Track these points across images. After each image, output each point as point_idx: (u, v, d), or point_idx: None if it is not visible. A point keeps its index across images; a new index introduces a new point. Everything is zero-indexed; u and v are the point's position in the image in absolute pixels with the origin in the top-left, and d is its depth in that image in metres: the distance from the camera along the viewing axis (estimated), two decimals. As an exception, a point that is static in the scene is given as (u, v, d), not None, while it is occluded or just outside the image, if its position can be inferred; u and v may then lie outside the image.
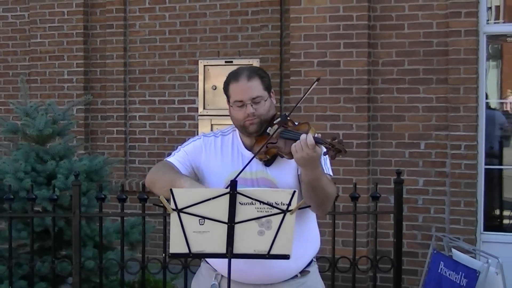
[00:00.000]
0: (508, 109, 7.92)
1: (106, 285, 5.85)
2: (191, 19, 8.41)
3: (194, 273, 3.65)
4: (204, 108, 8.32)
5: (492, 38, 7.27)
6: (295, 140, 3.09)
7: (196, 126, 8.36)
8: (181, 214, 2.92)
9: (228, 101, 3.39)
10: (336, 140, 3.06)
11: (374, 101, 7.12)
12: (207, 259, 3.41)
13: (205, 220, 2.94)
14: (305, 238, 3.40)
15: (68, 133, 6.34)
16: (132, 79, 8.67)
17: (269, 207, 2.94)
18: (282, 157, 3.25)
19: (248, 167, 3.23)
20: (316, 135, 3.10)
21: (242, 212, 2.94)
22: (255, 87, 3.32)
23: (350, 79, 7.08)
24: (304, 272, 3.42)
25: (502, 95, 7.87)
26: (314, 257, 3.51)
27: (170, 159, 3.42)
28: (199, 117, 8.35)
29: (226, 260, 3.04)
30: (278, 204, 2.94)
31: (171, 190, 2.93)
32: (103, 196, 5.52)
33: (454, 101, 6.86)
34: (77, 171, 5.52)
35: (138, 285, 6.04)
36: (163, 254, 5.48)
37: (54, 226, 5.56)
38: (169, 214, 2.95)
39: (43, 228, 5.84)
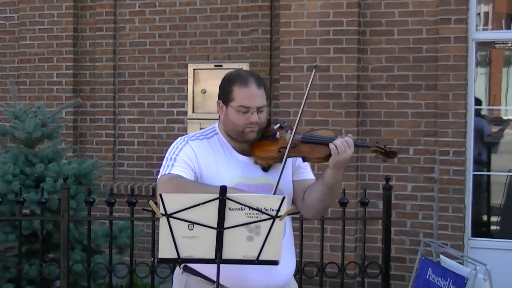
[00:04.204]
0: (497, 115, 7.95)
1: (94, 288, 5.84)
2: (181, 23, 8.39)
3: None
4: (193, 112, 8.32)
5: (481, 45, 7.29)
6: (323, 144, 3.15)
7: (185, 129, 8.33)
8: (170, 219, 2.91)
9: (226, 103, 3.24)
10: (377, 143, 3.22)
11: (363, 106, 7.14)
12: (200, 271, 3.23)
13: (194, 225, 2.93)
14: (293, 243, 3.41)
15: (57, 136, 6.33)
16: (121, 82, 8.65)
17: (259, 212, 2.92)
18: (306, 161, 3.28)
19: (247, 173, 3.23)
20: None
21: (232, 217, 2.92)
22: (262, 95, 3.25)
23: (339, 84, 7.09)
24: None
25: (490, 102, 7.89)
26: None
27: (173, 171, 3.15)
28: (188, 121, 8.34)
29: (221, 268, 2.98)
30: (268, 210, 2.92)
31: (160, 195, 2.90)
32: (91, 200, 5.51)
33: (443, 107, 6.88)
34: (65, 174, 5.51)
35: (126, 288, 6.04)
36: (152, 258, 5.47)
37: (42, 229, 5.54)
38: (157, 218, 2.93)
39: (31, 231, 5.82)
